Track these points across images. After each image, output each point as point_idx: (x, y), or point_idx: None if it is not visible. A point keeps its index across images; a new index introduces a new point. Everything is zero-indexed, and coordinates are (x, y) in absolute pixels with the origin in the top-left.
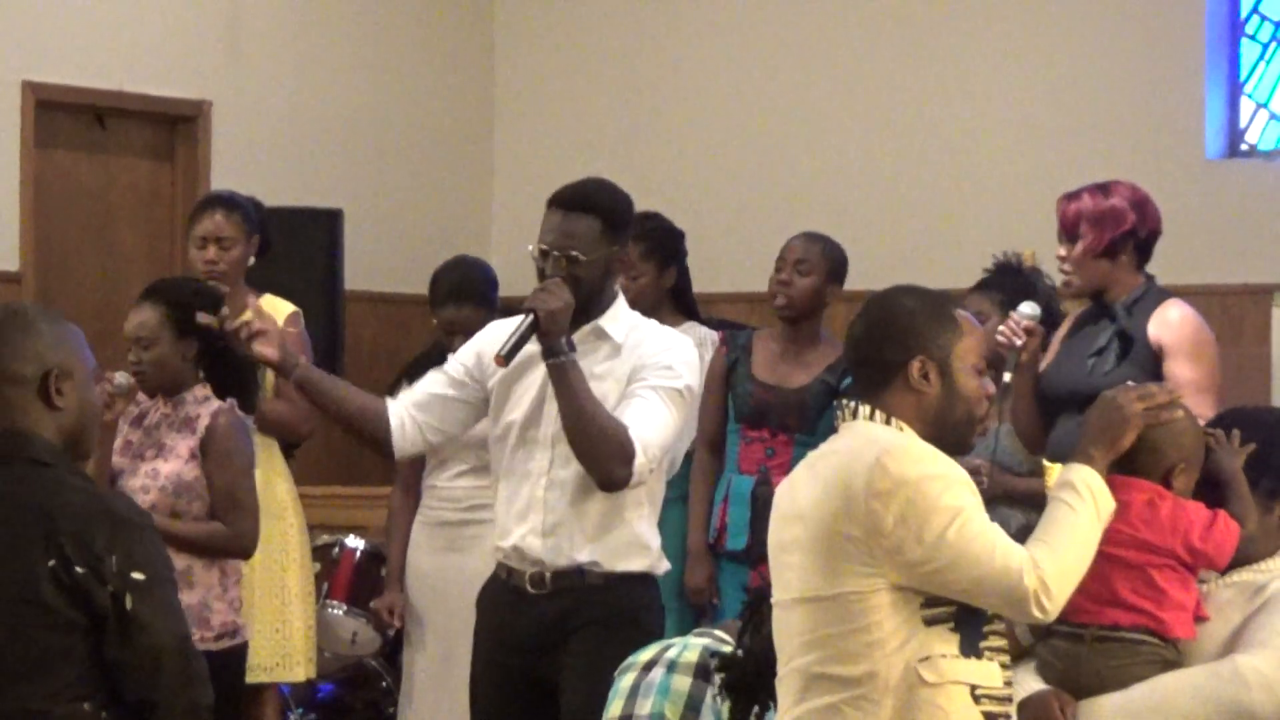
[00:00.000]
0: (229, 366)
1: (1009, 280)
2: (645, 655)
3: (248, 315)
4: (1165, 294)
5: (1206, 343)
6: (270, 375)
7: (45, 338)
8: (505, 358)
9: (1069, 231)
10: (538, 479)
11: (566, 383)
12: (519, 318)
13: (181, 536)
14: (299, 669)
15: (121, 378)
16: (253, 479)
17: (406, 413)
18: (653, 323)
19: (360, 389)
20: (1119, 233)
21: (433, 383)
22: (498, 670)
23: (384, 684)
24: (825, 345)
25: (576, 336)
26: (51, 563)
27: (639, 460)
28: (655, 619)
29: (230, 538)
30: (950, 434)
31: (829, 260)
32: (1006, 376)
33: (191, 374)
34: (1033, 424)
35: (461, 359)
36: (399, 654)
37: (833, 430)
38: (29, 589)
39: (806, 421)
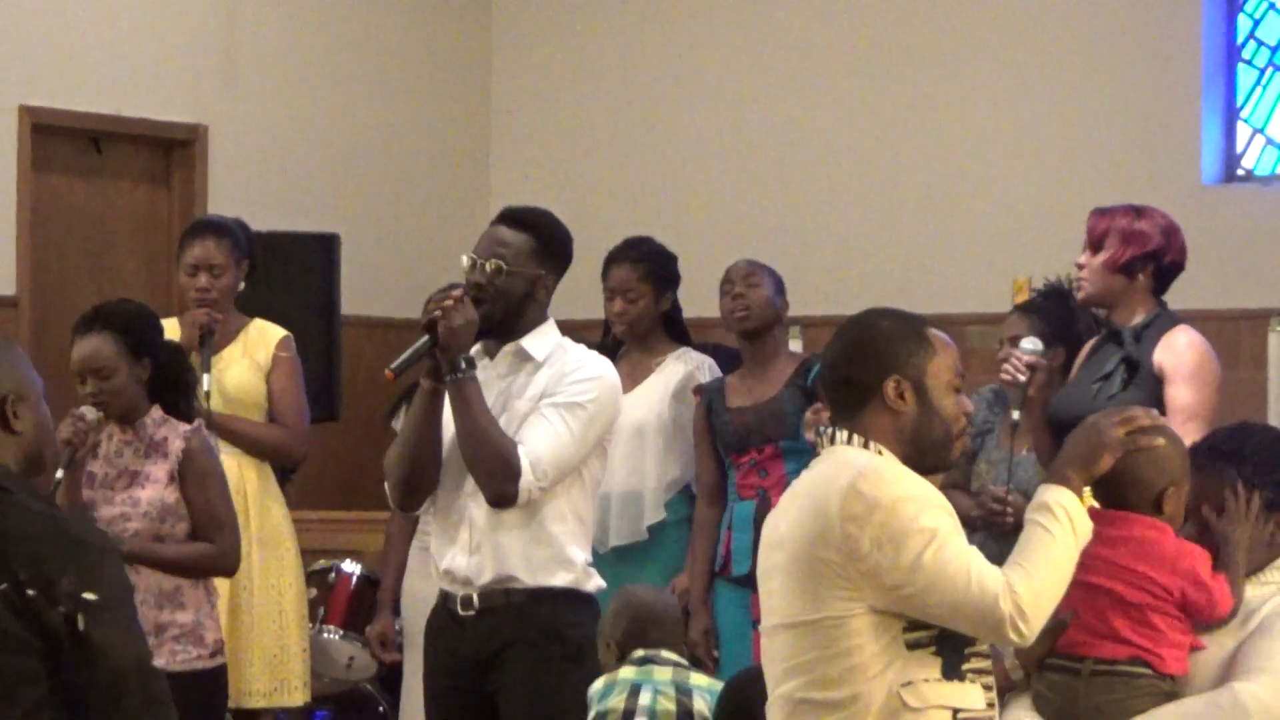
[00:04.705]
0: (169, 383)
1: (1055, 307)
2: (614, 701)
3: None
4: (1175, 320)
5: (1209, 370)
6: (217, 390)
7: None
8: (395, 372)
9: (1095, 242)
10: (466, 500)
11: (463, 399)
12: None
13: (171, 560)
14: (296, 694)
15: (90, 411)
16: (229, 496)
17: None
18: (578, 345)
19: None
20: (1142, 252)
21: None
22: (443, 695)
23: (380, 708)
24: (786, 357)
25: (499, 356)
26: (4, 585)
27: (525, 478)
28: (584, 635)
29: (218, 555)
30: (930, 453)
31: (769, 272)
32: (1015, 415)
33: (144, 398)
34: (1050, 455)
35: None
36: (395, 678)
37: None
38: None
39: (786, 428)
